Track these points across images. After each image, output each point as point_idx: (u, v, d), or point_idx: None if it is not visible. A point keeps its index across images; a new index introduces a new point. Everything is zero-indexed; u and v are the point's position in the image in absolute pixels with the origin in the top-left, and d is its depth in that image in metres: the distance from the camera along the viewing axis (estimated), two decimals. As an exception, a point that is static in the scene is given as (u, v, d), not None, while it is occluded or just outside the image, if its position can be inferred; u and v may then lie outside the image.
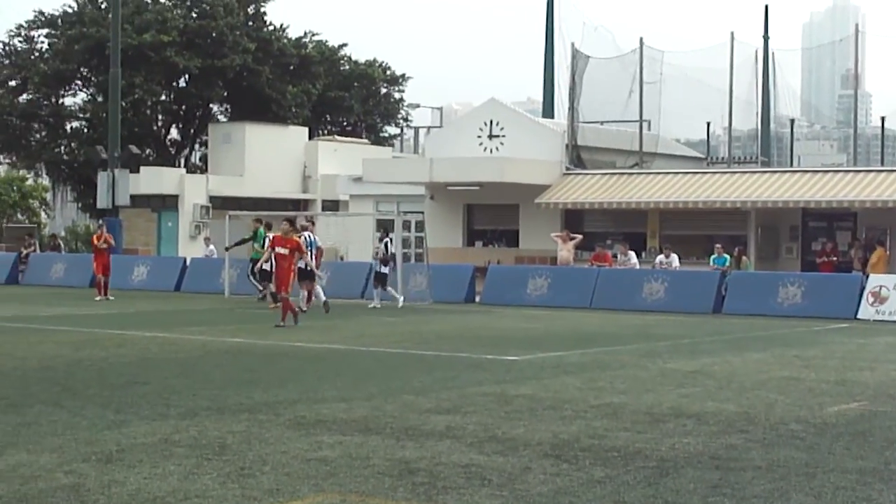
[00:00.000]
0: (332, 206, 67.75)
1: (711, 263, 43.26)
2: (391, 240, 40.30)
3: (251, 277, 39.41)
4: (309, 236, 36.26)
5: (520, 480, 11.02)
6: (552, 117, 63.92)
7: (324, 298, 35.90)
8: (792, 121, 67.98)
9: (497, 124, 55.77)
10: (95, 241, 41.91)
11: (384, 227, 41.69)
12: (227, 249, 43.39)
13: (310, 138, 74.93)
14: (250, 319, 32.46)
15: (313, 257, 35.72)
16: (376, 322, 32.33)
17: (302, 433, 13.27)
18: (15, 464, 11.29)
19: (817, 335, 29.94)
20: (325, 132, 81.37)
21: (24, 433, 13.00)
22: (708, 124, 63.36)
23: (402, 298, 38.96)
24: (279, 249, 30.27)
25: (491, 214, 57.51)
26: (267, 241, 36.42)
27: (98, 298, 39.43)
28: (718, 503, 10.25)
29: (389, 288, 39.11)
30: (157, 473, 10.96)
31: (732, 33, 55.76)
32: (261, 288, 38.68)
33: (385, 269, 39.14)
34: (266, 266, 35.06)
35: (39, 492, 10.12)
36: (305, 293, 35.35)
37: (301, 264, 30.56)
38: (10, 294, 43.10)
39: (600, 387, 18.05)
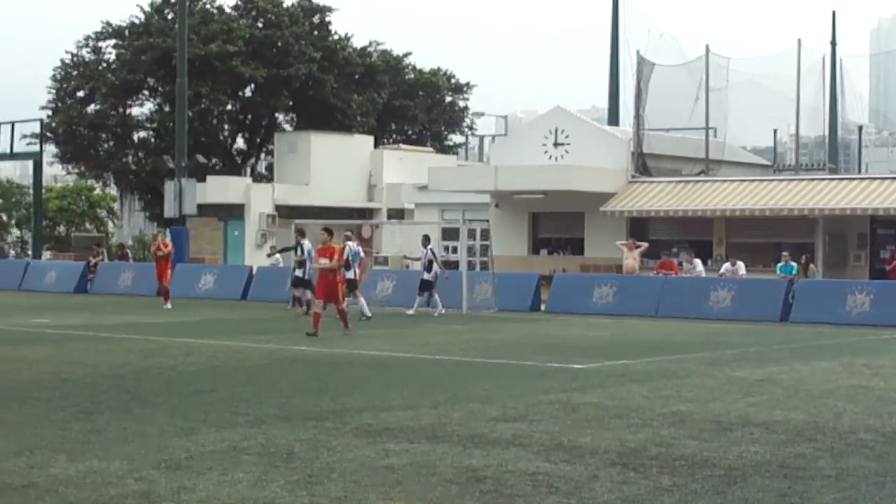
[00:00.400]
0: (397, 214, 67.86)
1: (778, 272, 42.99)
2: (433, 249, 40.15)
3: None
4: (351, 247, 36.15)
5: (587, 489, 11.01)
6: (617, 125, 63.74)
7: (363, 308, 36.15)
8: (860, 127, 67.66)
9: (562, 132, 55.69)
10: (153, 250, 42.49)
11: (426, 235, 41.28)
12: (268, 256, 44.35)
13: (375, 147, 74.99)
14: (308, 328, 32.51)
15: (356, 268, 35.97)
16: (442, 330, 32.30)
17: (369, 441, 13.31)
18: (86, 470, 11.39)
19: (886, 343, 29.73)
20: (390, 141, 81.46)
21: (94, 440, 13.10)
22: (775, 131, 63.16)
23: (441, 309, 38.96)
24: (321, 261, 30.13)
25: (556, 222, 57.43)
26: (301, 249, 36.97)
27: (167, 307, 39.61)
28: (786, 511, 10.21)
29: (437, 296, 39.11)
30: (225, 480, 11.03)
31: (799, 40, 55.50)
32: (296, 294, 38.66)
33: (429, 276, 39.12)
34: (299, 273, 35.71)
35: (111, 498, 10.21)
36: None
37: (350, 274, 29.60)
38: (79, 303, 43.43)
39: (667, 395, 18.00)
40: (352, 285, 36.04)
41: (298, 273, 37.37)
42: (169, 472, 11.41)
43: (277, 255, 48.59)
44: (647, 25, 63.68)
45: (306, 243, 37.79)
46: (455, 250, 54.70)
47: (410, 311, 38.34)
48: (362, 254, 37.89)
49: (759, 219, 49.92)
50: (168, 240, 43.54)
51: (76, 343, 26.37)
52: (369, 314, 35.74)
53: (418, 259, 40.67)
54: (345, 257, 31.20)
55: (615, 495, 10.73)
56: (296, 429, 14.07)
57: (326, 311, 29.17)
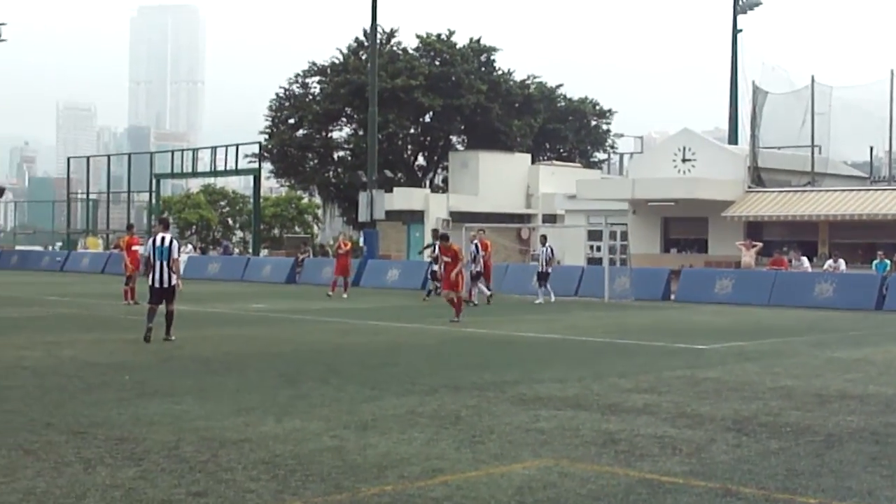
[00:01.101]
0: (550, 219, 67.73)
1: (874, 268, 42.12)
2: (550, 246, 39.58)
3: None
4: (476, 245, 37.45)
5: (706, 450, 10.82)
6: (736, 143, 62.94)
7: (488, 293, 37.17)
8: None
9: (689, 150, 55.39)
10: (336, 248, 42.95)
11: (544, 235, 40.87)
12: (419, 253, 44.87)
13: (532, 163, 75.06)
14: (481, 313, 32.52)
15: (479, 261, 37.07)
16: (587, 316, 32.11)
17: (523, 408, 13.23)
18: (291, 429, 11.48)
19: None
20: (545, 158, 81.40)
21: (298, 404, 13.20)
22: (871, 148, 61.57)
23: (549, 297, 37.95)
24: (444, 257, 30.23)
25: (684, 226, 56.98)
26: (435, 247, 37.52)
27: (330, 294, 39.41)
28: (877, 472, 9.93)
29: (549, 286, 38.31)
30: (403, 439, 11.03)
31: (893, 70, 54.11)
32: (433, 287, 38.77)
33: (549, 270, 38.61)
34: (435, 267, 36.12)
35: (310, 451, 10.26)
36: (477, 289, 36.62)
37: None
38: (289, 292, 43.95)
39: (776, 372, 17.64)
40: (478, 276, 37.07)
41: (435, 268, 37.54)
42: (357, 431, 11.44)
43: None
44: (761, 59, 63.07)
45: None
46: (598, 249, 54.43)
47: (539, 300, 37.58)
48: (482, 252, 37.90)
49: (858, 223, 49.04)
50: (347, 240, 43.85)
51: (285, 324, 26.66)
52: (489, 292, 37.31)
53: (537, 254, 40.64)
54: (463, 255, 30.61)
55: (729, 456, 10.53)
56: (463, 397, 14.04)
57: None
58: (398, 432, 11.39)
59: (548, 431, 11.66)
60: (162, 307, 21.36)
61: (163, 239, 21.53)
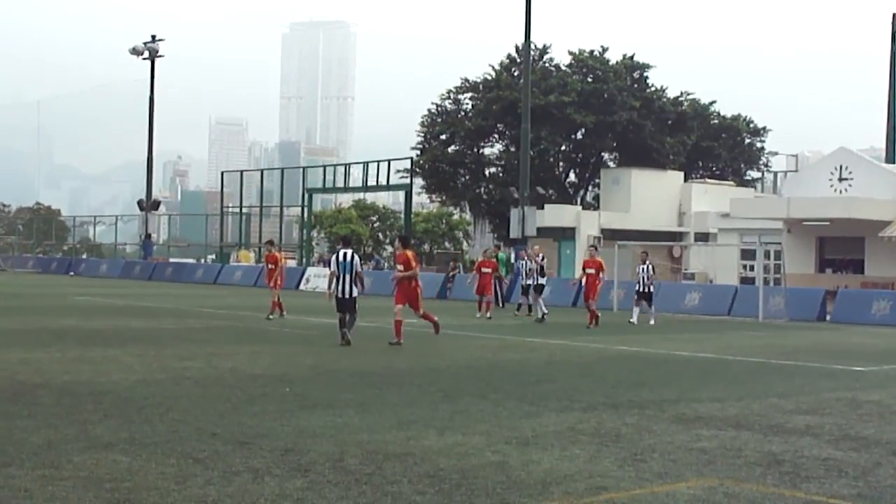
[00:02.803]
0: (702, 237, 67.28)
1: None
2: (651, 264, 37.10)
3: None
4: (525, 262, 38.95)
5: (872, 474, 10.67)
6: (893, 162, 61.77)
7: (544, 311, 36.61)
8: None
9: (846, 169, 54.53)
10: (478, 266, 41.52)
11: (645, 251, 39.60)
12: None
13: (684, 181, 74.53)
14: (633, 330, 32.38)
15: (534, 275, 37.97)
16: (742, 336, 31.80)
17: (683, 427, 13.18)
18: (453, 443, 11.59)
19: None
20: (698, 176, 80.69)
21: (457, 419, 13.31)
22: None
23: (640, 317, 35.73)
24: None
25: (840, 246, 56.10)
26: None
27: (478, 315, 38.06)
28: None
29: (647, 305, 35.99)
30: (566, 455, 11.07)
31: None
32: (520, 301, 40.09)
33: (650, 289, 36.11)
34: (542, 280, 37.73)
35: (473, 466, 10.35)
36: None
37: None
38: (441, 307, 44.14)
39: (942, 396, 17.28)
40: (539, 289, 37.46)
41: (528, 282, 37.94)
42: (519, 447, 11.51)
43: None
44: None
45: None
46: (752, 268, 53.88)
47: (632, 320, 35.37)
48: (531, 264, 38.41)
49: None
50: (492, 257, 43.29)
51: (442, 340, 26.82)
52: (545, 311, 36.67)
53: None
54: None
55: (899, 480, 10.39)
56: (622, 414, 14.03)
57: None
58: (560, 449, 11.43)
59: (710, 451, 11.60)
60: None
61: (345, 254, 24.15)
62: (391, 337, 24.67)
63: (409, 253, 24.93)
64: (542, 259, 39.55)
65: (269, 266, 34.75)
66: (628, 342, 27.30)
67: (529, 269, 39.28)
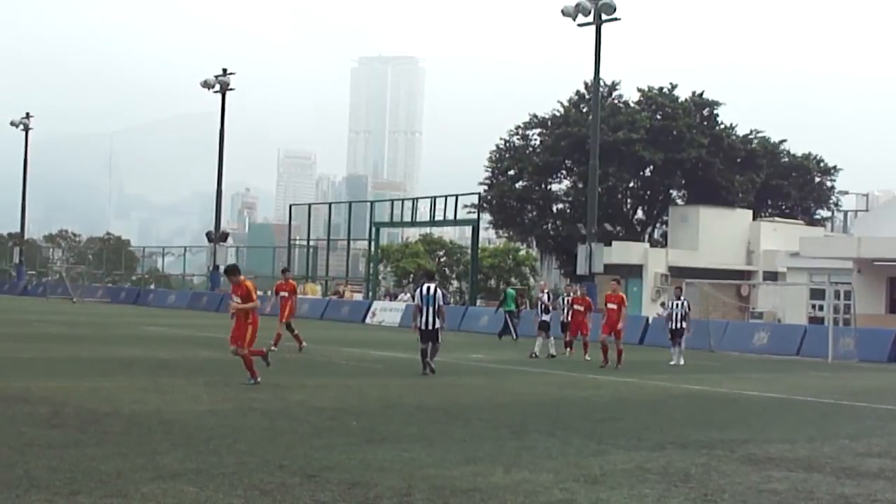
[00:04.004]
0: (771, 276, 66.77)
1: None
2: (687, 300, 35.00)
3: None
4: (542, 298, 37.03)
5: (949, 520, 10.49)
6: (969, 203, 61.06)
7: (550, 348, 35.21)
8: None
9: (918, 208, 54.00)
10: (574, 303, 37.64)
11: (679, 287, 38.02)
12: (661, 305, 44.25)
13: (753, 219, 74.11)
14: (699, 370, 32.12)
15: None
16: (811, 376, 31.48)
17: (753, 468, 13.02)
18: (520, 480, 11.52)
19: None
20: (766, 214, 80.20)
21: (524, 455, 13.23)
22: None
23: (678, 360, 33.60)
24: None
25: (912, 286, 55.51)
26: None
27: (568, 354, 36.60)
28: None
29: (681, 345, 34.15)
30: (634, 495, 10.96)
31: None
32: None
33: (683, 326, 34.02)
34: (545, 317, 35.75)
35: (541, 504, 10.31)
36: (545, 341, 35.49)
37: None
38: (506, 343, 44.17)
39: None
40: (543, 326, 35.60)
41: (545, 318, 36.34)
42: (587, 485, 11.42)
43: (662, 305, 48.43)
44: None
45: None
46: (821, 308, 53.43)
47: (673, 362, 33.41)
48: (546, 300, 36.84)
49: None
50: (586, 294, 41.37)
51: (506, 375, 26.79)
52: (553, 353, 34.91)
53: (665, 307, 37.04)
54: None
55: (976, 527, 10.18)
56: (691, 454, 13.89)
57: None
58: (628, 488, 11.32)
59: (781, 493, 11.45)
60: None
61: (429, 288, 25.22)
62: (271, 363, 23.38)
63: (249, 283, 21.81)
64: (545, 296, 37.33)
65: (283, 294, 32.64)
66: (695, 381, 27.07)
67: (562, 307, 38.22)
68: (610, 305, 32.43)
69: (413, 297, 68.72)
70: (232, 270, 22.21)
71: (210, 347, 31.77)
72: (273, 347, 30.35)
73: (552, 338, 35.72)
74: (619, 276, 65.30)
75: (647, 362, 33.78)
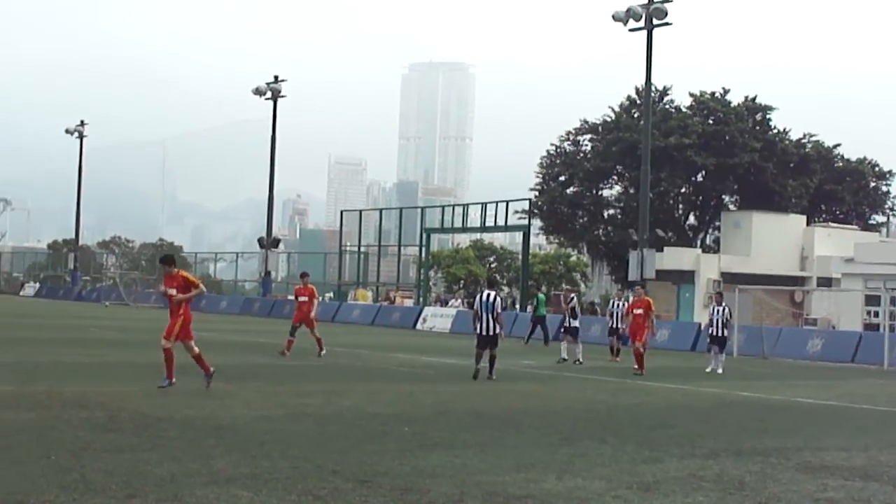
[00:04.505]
0: (825, 282, 66.27)
1: None
2: (728, 307, 34.65)
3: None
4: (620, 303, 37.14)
5: None
6: None
7: (578, 354, 34.84)
8: None
9: (976, 214, 53.41)
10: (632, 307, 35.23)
11: (720, 292, 37.44)
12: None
13: (807, 224, 73.56)
14: (755, 377, 31.92)
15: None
16: (867, 384, 31.23)
17: (809, 476, 12.92)
18: (572, 487, 11.49)
19: None
20: (820, 220, 79.56)
21: (577, 462, 13.19)
22: None
23: (717, 367, 32.73)
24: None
25: (969, 292, 54.90)
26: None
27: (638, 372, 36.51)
28: None
29: (723, 354, 33.48)
30: (688, 502, 10.91)
31: None
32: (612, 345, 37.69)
33: (725, 333, 33.44)
34: (574, 323, 35.39)
35: (594, 511, 10.27)
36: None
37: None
38: (557, 349, 44.00)
39: None
40: (571, 331, 35.41)
41: (573, 323, 35.74)
42: (640, 492, 11.37)
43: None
44: None
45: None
46: (877, 314, 52.96)
47: (709, 369, 32.72)
48: (574, 304, 36.62)
49: None
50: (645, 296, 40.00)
51: (557, 381, 26.76)
52: (581, 360, 34.49)
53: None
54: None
55: None
56: (745, 462, 13.80)
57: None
58: (682, 496, 11.27)
59: (838, 502, 11.36)
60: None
61: (488, 295, 25.59)
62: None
63: (185, 273, 20.58)
64: (573, 301, 37.20)
65: (302, 299, 31.95)
66: (749, 388, 26.93)
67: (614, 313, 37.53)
68: (636, 311, 32.04)
69: (464, 303, 68.96)
70: (167, 260, 20.90)
71: (262, 353, 31.93)
72: (286, 352, 30.73)
73: (580, 343, 35.60)
74: (671, 281, 65.51)
75: (699, 369, 33.59)
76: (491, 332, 25.33)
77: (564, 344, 35.48)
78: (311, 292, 32.43)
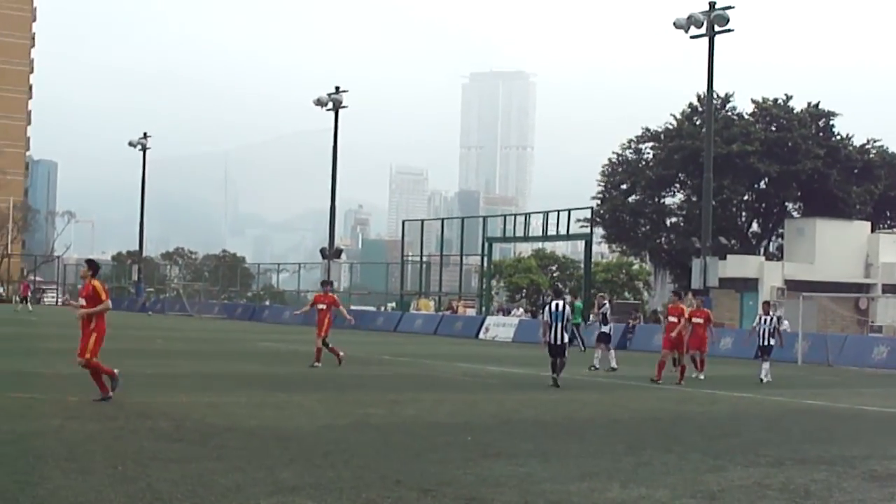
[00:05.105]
0: (891, 289, 65.61)
1: None
2: (777, 316, 34.95)
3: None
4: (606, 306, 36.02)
5: None
6: None
7: (612, 361, 34.18)
8: None
9: None
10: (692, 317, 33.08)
11: (767, 301, 36.65)
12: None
13: (871, 231, 72.80)
14: (819, 385, 31.67)
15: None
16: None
17: (876, 485, 12.82)
18: (637, 496, 11.46)
19: None
20: (885, 226, 78.73)
21: (641, 471, 13.16)
22: None
23: (767, 376, 31.46)
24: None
25: None
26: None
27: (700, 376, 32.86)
28: None
29: (768, 363, 32.06)
30: (754, 512, 10.88)
31: None
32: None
33: (772, 342, 32.32)
34: (605, 329, 34.81)
35: (658, 520, 10.24)
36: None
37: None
38: (621, 357, 43.88)
39: None
40: (603, 338, 34.75)
41: (605, 329, 35.00)
42: (705, 501, 11.33)
43: (787, 323, 47.77)
44: None
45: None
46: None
47: (761, 376, 31.44)
48: (606, 311, 35.53)
49: None
50: (701, 305, 38.54)
51: (620, 390, 26.69)
52: (615, 366, 33.92)
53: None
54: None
55: None
56: (810, 470, 13.71)
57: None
58: (747, 504, 11.23)
59: (906, 511, 11.27)
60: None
61: (558, 305, 26.27)
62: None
63: (97, 283, 18.68)
64: (605, 307, 36.17)
65: (320, 307, 30.60)
66: (813, 396, 26.73)
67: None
68: (671, 319, 30.32)
69: (527, 312, 68.92)
70: (90, 264, 19.28)
71: (324, 363, 32.05)
72: (317, 363, 30.05)
73: (612, 350, 35.12)
74: (734, 289, 65.09)
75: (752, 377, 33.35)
76: (560, 341, 26.05)
77: (598, 353, 34.92)
78: (331, 301, 31.17)
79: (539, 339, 29.54)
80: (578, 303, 49.68)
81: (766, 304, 34.65)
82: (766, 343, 32.15)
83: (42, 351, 32.55)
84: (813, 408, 23.82)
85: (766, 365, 31.83)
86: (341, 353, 30.70)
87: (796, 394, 27.46)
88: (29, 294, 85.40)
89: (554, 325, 26.07)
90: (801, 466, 14.07)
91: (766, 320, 32.51)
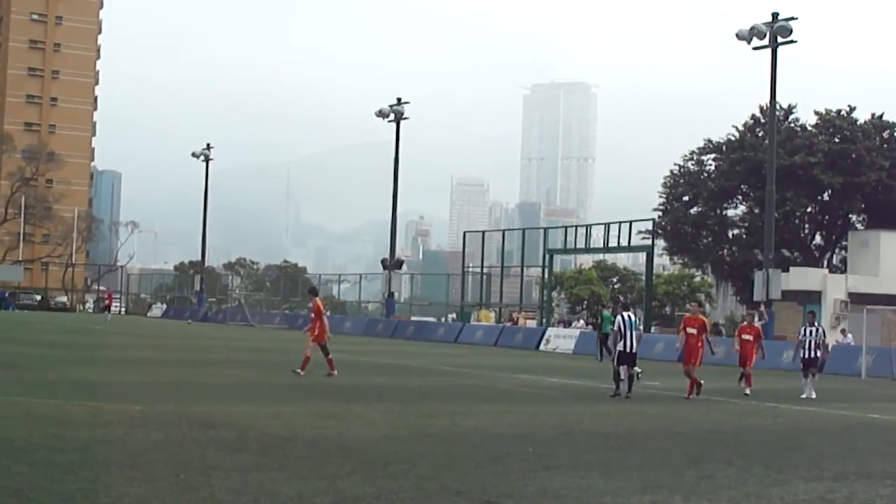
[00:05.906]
0: (957, 302, 64.76)
1: None
2: (821, 327, 32.14)
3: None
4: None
5: None
6: None
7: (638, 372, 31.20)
8: None
9: None
10: (739, 333, 32.81)
11: (812, 311, 35.46)
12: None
13: (935, 243, 71.98)
14: (884, 399, 31.32)
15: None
16: None
17: (942, 500, 12.67)
18: (700, 509, 11.42)
19: None
20: (951, 238, 77.74)
21: (703, 485, 13.08)
22: None
23: (810, 392, 30.25)
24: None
25: None
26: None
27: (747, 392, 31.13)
28: None
29: (813, 377, 30.82)
30: (817, 526, 10.78)
31: None
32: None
33: (817, 355, 31.16)
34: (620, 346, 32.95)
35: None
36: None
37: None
38: (680, 370, 43.60)
39: None
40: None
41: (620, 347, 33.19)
42: (767, 515, 11.26)
43: (850, 336, 47.43)
44: None
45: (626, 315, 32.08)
46: None
47: (804, 395, 30.14)
48: (639, 325, 32.03)
49: None
50: (756, 321, 37.70)
51: (682, 403, 26.53)
52: (640, 370, 30.87)
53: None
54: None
55: None
56: (875, 485, 13.57)
57: None
58: (811, 519, 11.13)
59: (971, 527, 11.13)
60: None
61: (629, 316, 27.27)
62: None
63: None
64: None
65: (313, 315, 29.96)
66: (877, 410, 26.46)
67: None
68: (689, 330, 28.80)
69: (587, 324, 68.66)
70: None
71: (386, 374, 32.15)
72: (333, 372, 29.41)
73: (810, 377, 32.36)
74: (797, 301, 64.50)
75: (826, 390, 33.03)
76: (631, 350, 26.96)
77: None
78: (315, 309, 30.02)
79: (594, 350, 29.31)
80: (607, 312, 49.08)
81: (812, 314, 33.26)
82: (810, 356, 31.04)
83: (110, 360, 32.85)
84: (877, 422, 23.58)
85: (808, 380, 30.64)
86: (302, 372, 29.19)
87: (860, 408, 27.20)
88: (112, 304, 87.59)
89: (627, 333, 26.97)
90: (865, 481, 13.93)
91: (811, 332, 31.38)
